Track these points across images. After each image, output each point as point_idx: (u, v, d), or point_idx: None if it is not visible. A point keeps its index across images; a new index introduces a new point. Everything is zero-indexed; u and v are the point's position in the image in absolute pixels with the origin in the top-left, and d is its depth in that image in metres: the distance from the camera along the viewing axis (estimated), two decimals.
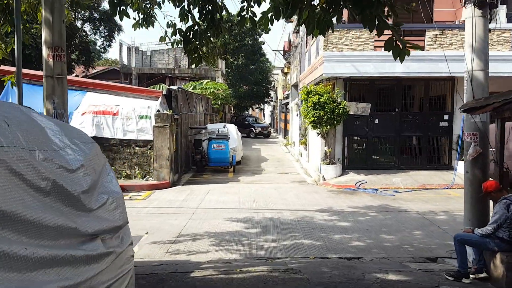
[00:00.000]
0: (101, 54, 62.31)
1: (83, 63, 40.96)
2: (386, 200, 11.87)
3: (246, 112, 55.48)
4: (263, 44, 54.65)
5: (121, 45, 46.77)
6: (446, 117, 15.26)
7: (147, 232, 8.66)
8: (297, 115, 23.21)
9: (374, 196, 12.42)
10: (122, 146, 14.78)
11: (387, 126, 15.25)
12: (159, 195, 12.70)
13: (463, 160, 15.33)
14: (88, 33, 45.23)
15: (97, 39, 48.44)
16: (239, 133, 21.35)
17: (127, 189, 13.58)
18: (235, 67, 51.88)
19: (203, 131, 18.44)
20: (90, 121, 14.68)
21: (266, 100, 59.66)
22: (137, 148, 14.81)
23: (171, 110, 15.04)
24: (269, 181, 15.25)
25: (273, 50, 65.84)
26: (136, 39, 79.27)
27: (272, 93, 60.48)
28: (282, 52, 39.65)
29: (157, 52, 49.97)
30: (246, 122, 41.00)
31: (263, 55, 55.99)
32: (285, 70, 44.94)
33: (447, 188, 13.58)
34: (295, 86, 28.88)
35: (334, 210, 10.56)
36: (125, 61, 47.24)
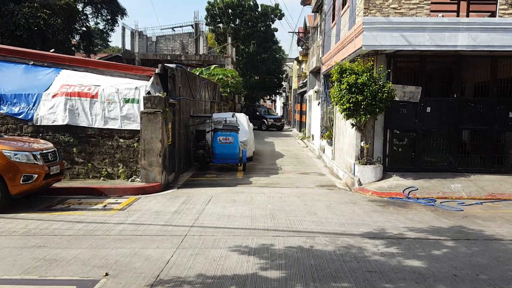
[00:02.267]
0: (108, 41, 59.45)
1: (84, 48, 37.95)
2: (455, 217, 8.55)
3: (257, 103, 52.22)
4: (276, 31, 51.29)
5: (123, 28, 43.69)
6: None
7: (106, 274, 5.46)
8: (318, 104, 19.87)
9: (436, 211, 9.10)
10: (102, 138, 11.61)
11: (441, 117, 11.87)
12: (144, 204, 9.50)
13: None
14: (90, 16, 42.24)
15: (99, 23, 45.42)
16: (251, 124, 18.08)
17: (105, 193, 10.45)
18: (246, 55, 48.53)
19: (208, 120, 15.22)
20: (62, 105, 11.55)
21: (278, 91, 56.35)
22: (121, 140, 11.63)
23: (165, 93, 11.82)
24: (289, 185, 11.98)
25: (289, 32, 62.65)
26: (140, 23, 75.81)
27: (285, 83, 57.12)
28: (297, 34, 36.04)
29: (163, 38, 46.84)
30: (257, 113, 37.77)
31: (276, 43, 52.60)
32: (300, 58, 41.49)
33: None
34: (314, 72, 25.58)
35: (390, 234, 7.27)
36: (128, 46, 44.17)
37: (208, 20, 47.68)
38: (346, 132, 13.22)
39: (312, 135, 22.66)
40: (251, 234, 7.21)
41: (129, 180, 11.40)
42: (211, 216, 8.36)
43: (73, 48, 35.74)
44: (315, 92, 22.26)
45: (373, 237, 7.08)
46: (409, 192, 10.62)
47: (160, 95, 11.31)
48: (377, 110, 11.01)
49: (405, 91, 11.73)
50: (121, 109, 11.54)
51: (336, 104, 11.62)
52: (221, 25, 47.97)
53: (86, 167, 11.55)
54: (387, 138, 11.98)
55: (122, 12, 44.93)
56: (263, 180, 12.68)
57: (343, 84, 11.02)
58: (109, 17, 44.06)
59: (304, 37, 37.36)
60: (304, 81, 33.04)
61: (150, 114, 11.04)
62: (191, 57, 37.96)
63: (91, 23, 43.00)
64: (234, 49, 43.91)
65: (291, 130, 38.36)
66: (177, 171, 13.06)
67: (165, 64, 12.73)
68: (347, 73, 11.12)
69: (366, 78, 10.84)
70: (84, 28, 38.28)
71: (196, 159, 14.64)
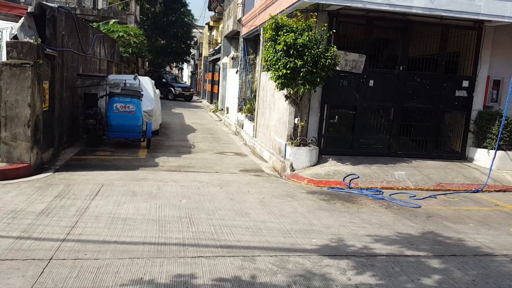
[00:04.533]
0: None
1: None
2: (418, 218, 6.86)
3: (164, 70, 48.27)
4: None
5: None
6: (465, 83, 10.59)
7: None
8: (236, 73, 17.51)
9: (390, 208, 7.36)
10: None
11: (385, 92, 10.22)
12: None
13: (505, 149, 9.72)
14: None
15: None
16: (157, 91, 15.22)
17: None
18: (152, 15, 44.01)
19: (102, 82, 12.08)
20: None
21: (186, 58, 52.72)
22: None
23: (40, 40, 8.59)
24: (206, 168, 9.58)
25: None
26: None
27: (194, 50, 53.64)
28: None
29: None
30: (163, 80, 34.33)
31: (185, 4, 48.60)
32: (211, 23, 38.49)
33: (476, 192, 8.99)
34: (230, 37, 23.06)
35: (353, 249, 5.28)
36: None
37: None
38: (275, 106, 11.09)
39: (227, 108, 20.33)
40: (160, 254, 4.75)
41: None
42: (98, 220, 5.70)
43: None
44: (232, 59, 19.83)
45: (334, 255, 5.02)
46: (350, 180, 8.85)
47: (32, 41, 8.08)
48: (318, 79, 8.96)
49: (347, 59, 9.84)
50: None
51: (269, 70, 9.35)
52: None
53: None
54: (324, 115, 10.06)
55: None
56: (173, 161, 10.11)
57: (280, 44, 8.75)
58: None
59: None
60: (217, 47, 30.35)
61: (14, 66, 7.81)
62: (88, 11, 32.91)
63: None
64: (138, 7, 39.44)
65: (201, 101, 35.64)
66: (57, 146, 9.95)
67: (42, 2, 9.38)
68: (284, 31, 8.87)
69: (307, 38, 8.69)
70: None
71: (86, 131, 11.55)
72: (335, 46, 9.15)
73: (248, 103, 15.26)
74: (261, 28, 12.73)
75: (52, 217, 5.72)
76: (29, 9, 9.02)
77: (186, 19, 49.51)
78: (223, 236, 5.41)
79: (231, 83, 19.44)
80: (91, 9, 34.85)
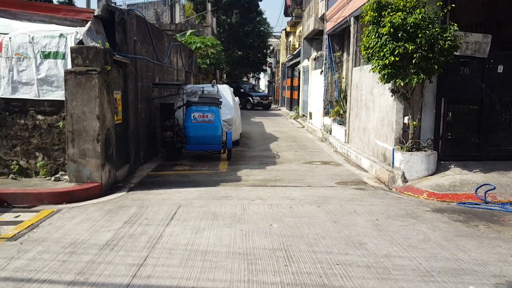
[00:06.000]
0: None
1: None
2: None
3: (241, 80, 47.90)
4: (261, 0, 46.77)
5: None
6: None
7: None
8: (321, 73, 15.93)
9: None
10: (10, 114, 7.53)
11: None
12: (60, 223, 5.51)
13: None
14: None
15: None
16: (236, 98, 14.10)
17: (8, 200, 6.49)
18: (228, 26, 43.92)
19: (180, 92, 11.12)
20: None
21: (263, 67, 52.06)
22: (40, 116, 7.56)
23: (107, 44, 7.73)
24: (296, 182, 8.09)
25: None
26: None
27: (270, 59, 52.86)
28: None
29: (135, 6, 41.99)
30: (241, 90, 33.58)
31: (260, 13, 48.07)
32: (288, 29, 37.33)
33: None
34: (310, 38, 21.63)
35: None
36: None
37: None
38: (374, 105, 9.35)
39: (310, 113, 18.77)
40: None
41: (53, 178, 7.38)
42: (172, 255, 4.44)
43: None
44: (314, 59, 18.31)
45: None
46: (485, 192, 6.89)
47: (98, 45, 7.21)
48: (436, 66, 7.14)
49: (468, 41, 7.88)
50: (37, 69, 7.43)
51: (370, 60, 7.71)
52: None
53: None
54: (441, 112, 8.15)
55: None
56: (257, 174, 8.75)
57: (384, 26, 7.09)
58: None
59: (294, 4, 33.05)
60: (295, 52, 29.01)
61: (80, 74, 6.95)
62: (166, 26, 33.41)
63: None
64: (214, 19, 39.45)
65: (280, 109, 34.40)
66: (133, 162, 9.05)
67: (111, 4, 8.58)
68: (389, 10, 7.20)
69: (420, 16, 6.94)
70: None
71: (163, 144, 10.64)
72: (456, 25, 7.27)
73: (336, 105, 13.60)
74: (351, 18, 11.15)
75: (117, 250, 4.56)
76: (96, 12, 8.23)
77: (262, 28, 48.99)
78: (336, 280, 3.87)
79: (314, 86, 17.89)
80: (169, 23, 35.40)
